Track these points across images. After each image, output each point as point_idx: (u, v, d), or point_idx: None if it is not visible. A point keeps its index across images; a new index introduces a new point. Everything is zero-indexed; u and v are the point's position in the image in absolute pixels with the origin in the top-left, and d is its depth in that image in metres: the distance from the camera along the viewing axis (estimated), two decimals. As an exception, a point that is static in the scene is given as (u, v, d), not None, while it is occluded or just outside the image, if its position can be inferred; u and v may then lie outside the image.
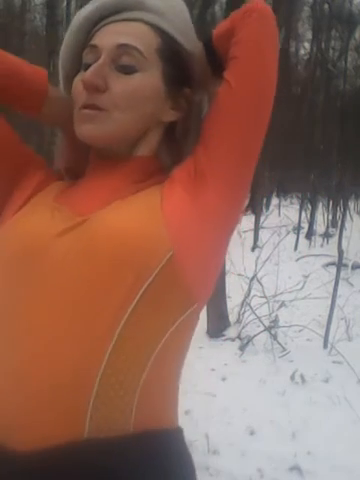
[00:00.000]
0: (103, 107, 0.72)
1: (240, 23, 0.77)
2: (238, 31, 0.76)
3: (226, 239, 0.77)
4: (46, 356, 0.64)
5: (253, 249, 7.22)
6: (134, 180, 0.75)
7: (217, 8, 15.55)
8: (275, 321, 3.87)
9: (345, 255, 4.75)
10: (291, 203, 15.15)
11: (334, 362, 3.53)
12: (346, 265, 5.99)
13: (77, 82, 0.75)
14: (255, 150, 0.77)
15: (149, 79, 0.74)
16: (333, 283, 4.09)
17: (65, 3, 13.58)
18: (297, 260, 7.17)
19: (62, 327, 0.64)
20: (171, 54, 0.76)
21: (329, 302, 3.96)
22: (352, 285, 5.69)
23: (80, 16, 0.79)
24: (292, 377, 3.21)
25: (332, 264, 6.02)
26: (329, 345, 3.74)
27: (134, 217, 0.68)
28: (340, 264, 4.20)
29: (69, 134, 0.79)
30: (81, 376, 0.63)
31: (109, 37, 0.74)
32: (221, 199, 0.73)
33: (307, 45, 18.59)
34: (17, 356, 0.65)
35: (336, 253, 4.24)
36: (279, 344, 3.69)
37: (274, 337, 3.73)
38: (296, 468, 2.30)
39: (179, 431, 0.74)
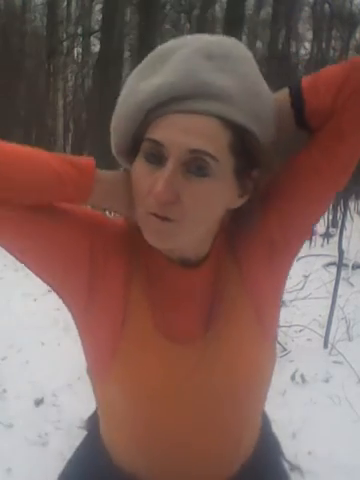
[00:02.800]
0: (174, 218, 0.68)
1: (344, 106, 0.71)
2: (342, 116, 0.72)
3: None
4: (212, 450, 0.82)
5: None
6: (212, 281, 0.78)
7: (217, 8, 15.54)
8: (275, 321, 3.87)
9: (345, 255, 4.74)
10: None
11: (334, 362, 3.53)
12: (346, 265, 5.98)
13: (139, 174, 0.70)
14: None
15: (221, 182, 0.69)
16: (333, 283, 4.08)
17: (65, 3, 13.57)
18: (297, 260, 7.13)
19: (219, 433, 0.81)
20: (243, 147, 0.69)
21: (329, 302, 3.95)
22: (352, 285, 5.68)
23: (134, 98, 0.69)
24: (292, 377, 3.21)
25: (332, 264, 6.01)
26: (329, 345, 3.74)
27: (247, 359, 0.78)
28: (340, 264, 4.19)
29: (122, 212, 0.77)
30: (234, 449, 0.85)
31: (177, 137, 0.65)
32: (291, 262, 0.84)
33: (308, 45, 18.58)
34: (194, 446, 0.80)
35: (336, 253, 4.23)
36: (279, 344, 3.69)
37: (274, 337, 3.72)
38: (297, 468, 2.30)
39: None
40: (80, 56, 17.05)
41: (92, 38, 15.67)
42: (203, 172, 0.67)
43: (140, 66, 0.72)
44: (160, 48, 0.71)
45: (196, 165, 0.66)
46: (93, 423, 0.92)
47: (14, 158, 0.67)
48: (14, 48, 13.18)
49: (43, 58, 12.92)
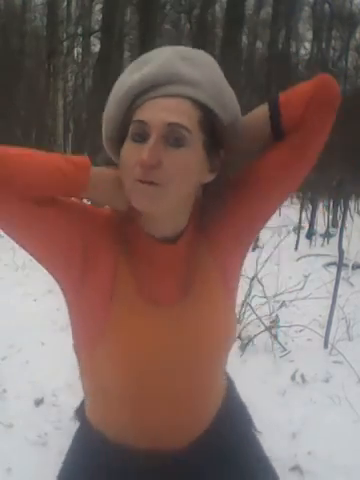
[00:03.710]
0: (158, 182, 0.81)
1: (311, 116, 0.88)
2: (311, 127, 0.89)
3: None
4: (191, 403, 0.95)
5: (254, 249, 7.20)
6: (187, 254, 0.92)
7: (217, 8, 15.55)
8: (275, 321, 3.87)
9: (346, 255, 4.74)
10: (292, 203, 15.14)
11: (335, 362, 3.53)
12: (347, 265, 5.98)
13: (128, 154, 0.84)
14: None
15: (195, 152, 0.84)
16: (334, 283, 4.09)
17: (65, 3, 13.55)
18: (298, 260, 7.16)
19: (195, 387, 0.95)
20: (210, 125, 0.85)
21: (329, 302, 3.95)
22: (353, 285, 5.68)
23: (124, 87, 0.86)
24: (292, 377, 3.21)
25: (333, 264, 6.01)
26: (329, 345, 3.74)
27: (218, 319, 0.93)
28: (341, 264, 4.19)
29: (108, 203, 0.90)
30: (207, 401, 0.99)
31: (157, 114, 0.81)
32: (255, 236, 1.02)
33: (308, 45, 18.58)
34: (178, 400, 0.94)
35: (337, 253, 4.23)
36: (279, 344, 3.69)
37: (274, 337, 3.72)
38: (296, 468, 2.30)
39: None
40: (80, 56, 17.07)
41: (92, 38, 15.69)
42: (180, 143, 0.82)
43: (129, 67, 0.90)
44: (144, 55, 0.90)
45: (174, 137, 0.81)
46: (81, 412, 1.05)
47: (22, 158, 0.81)
48: (14, 48, 13.18)
49: (43, 58, 12.90)
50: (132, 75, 0.87)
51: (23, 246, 0.87)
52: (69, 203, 0.88)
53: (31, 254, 0.88)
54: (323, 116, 0.89)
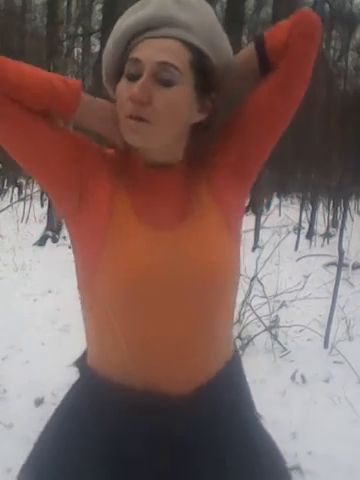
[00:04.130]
0: (147, 119, 0.86)
1: (293, 45, 0.92)
2: (292, 58, 0.93)
3: None
4: (190, 343, 0.95)
5: (254, 249, 7.22)
6: (185, 182, 0.96)
7: (217, 8, 15.54)
8: (275, 321, 3.87)
9: (346, 255, 4.74)
10: (292, 203, 15.14)
11: (335, 362, 3.53)
12: (347, 265, 5.98)
13: (121, 90, 0.89)
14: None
15: (184, 91, 0.88)
16: (334, 283, 4.09)
17: (65, 3, 13.55)
18: (298, 260, 7.16)
19: (194, 324, 0.94)
20: (201, 66, 0.90)
21: (330, 302, 3.95)
22: (353, 285, 5.68)
23: (120, 29, 0.93)
24: (292, 377, 3.21)
25: (333, 264, 6.01)
26: (330, 345, 3.74)
27: (216, 247, 0.94)
28: (341, 264, 4.20)
29: (105, 135, 0.95)
30: (208, 348, 0.97)
31: (150, 53, 0.87)
32: (251, 183, 1.03)
33: (307, 45, 18.54)
34: (174, 344, 0.94)
35: (337, 253, 4.24)
36: (280, 344, 3.69)
37: (274, 337, 3.72)
38: (297, 468, 2.30)
39: None
40: (80, 56, 17.05)
41: (92, 38, 15.67)
42: (170, 83, 0.86)
43: (127, 10, 0.95)
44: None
45: (164, 76, 0.86)
46: (82, 361, 1.06)
47: (16, 64, 0.88)
48: (14, 48, 13.18)
49: (43, 58, 12.89)
50: (129, 17, 0.93)
51: (21, 160, 0.91)
52: (70, 132, 0.93)
53: (29, 170, 0.93)
54: (304, 46, 0.93)
